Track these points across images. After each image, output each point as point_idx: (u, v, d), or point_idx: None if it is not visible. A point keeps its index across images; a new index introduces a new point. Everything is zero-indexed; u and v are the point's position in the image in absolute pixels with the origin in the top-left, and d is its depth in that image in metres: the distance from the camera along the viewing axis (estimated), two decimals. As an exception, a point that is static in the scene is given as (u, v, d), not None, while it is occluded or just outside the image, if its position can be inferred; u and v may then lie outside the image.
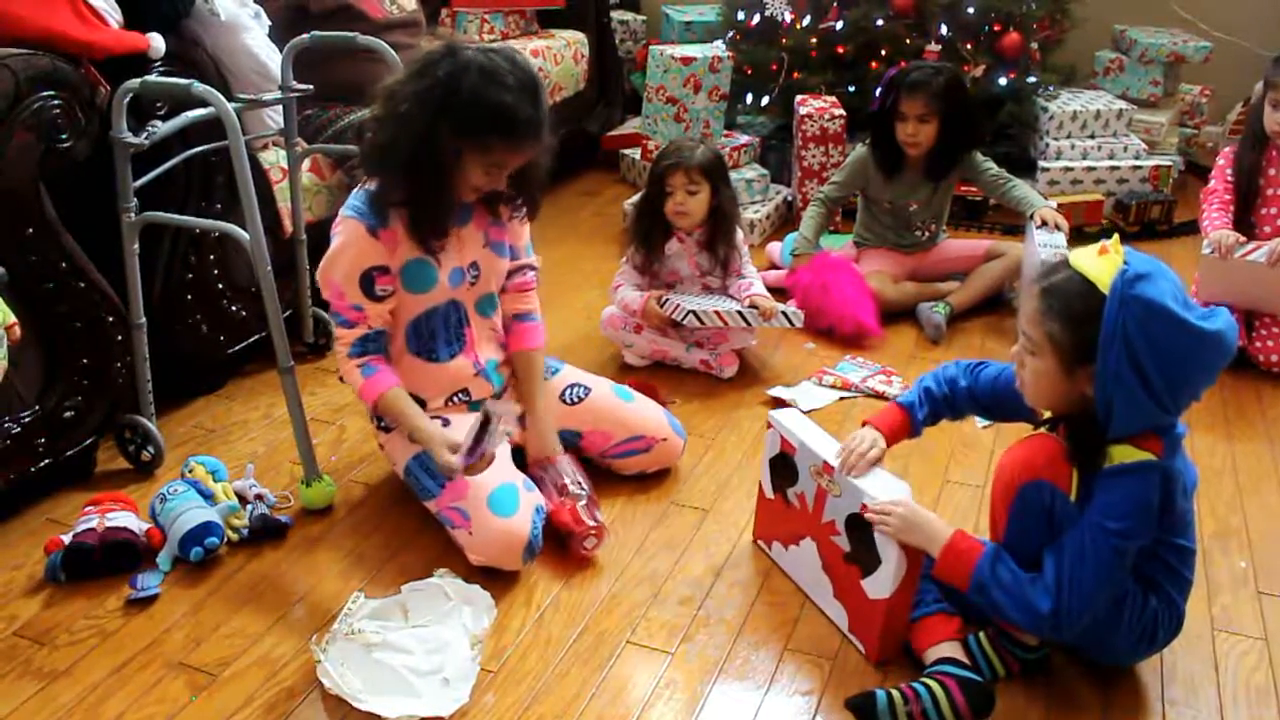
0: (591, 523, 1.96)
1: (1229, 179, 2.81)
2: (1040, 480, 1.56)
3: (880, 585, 1.67)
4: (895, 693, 1.59)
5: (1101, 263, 1.49)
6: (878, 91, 3.04)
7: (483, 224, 2.05)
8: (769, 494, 1.96)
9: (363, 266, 1.91)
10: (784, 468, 1.89)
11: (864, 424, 1.82)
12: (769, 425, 1.91)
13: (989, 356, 2.79)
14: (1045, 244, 2.77)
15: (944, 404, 1.84)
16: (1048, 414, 1.67)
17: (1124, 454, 1.52)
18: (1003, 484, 1.63)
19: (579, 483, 2.03)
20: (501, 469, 1.97)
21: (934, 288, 3.08)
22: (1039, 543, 1.58)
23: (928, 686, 1.59)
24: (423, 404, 2.04)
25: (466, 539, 1.92)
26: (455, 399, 2.09)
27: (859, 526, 1.71)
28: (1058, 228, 2.85)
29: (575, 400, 2.20)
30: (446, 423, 2.02)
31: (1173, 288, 1.46)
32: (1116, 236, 1.53)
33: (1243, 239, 2.69)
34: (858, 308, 2.86)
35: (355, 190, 1.95)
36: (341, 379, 2.02)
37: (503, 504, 1.90)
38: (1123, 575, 1.54)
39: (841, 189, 3.16)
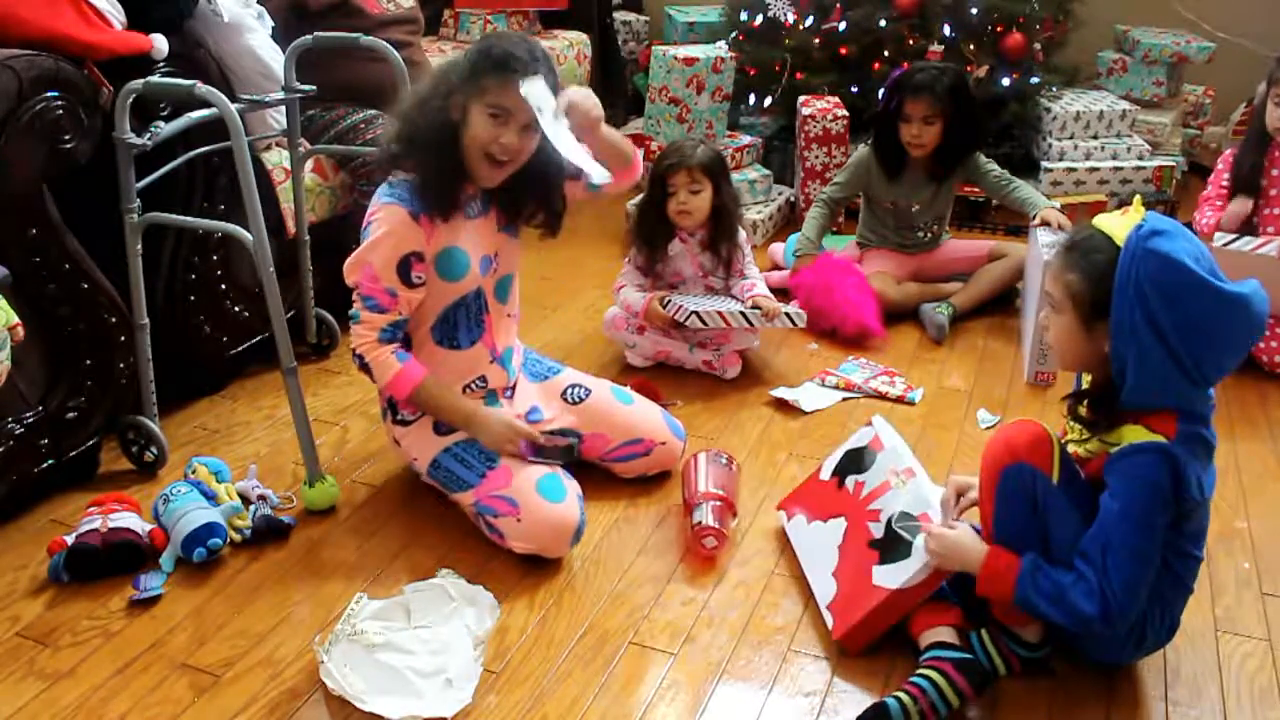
0: (714, 523, 1.98)
1: (1224, 185, 2.82)
2: (1022, 463, 1.57)
3: (893, 577, 1.69)
4: (904, 695, 1.59)
5: (1123, 220, 1.52)
6: (882, 93, 3.04)
7: (496, 217, 2.08)
8: (825, 475, 2.02)
9: (403, 251, 1.92)
10: (858, 458, 1.96)
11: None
12: (868, 423, 2.01)
13: (991, 357, 2.82)
14: (1049, 245, 2.76)
15: None
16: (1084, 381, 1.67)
17: (1134, 434, 1.52)
18: (987, 468, 1.64)
19: (721, 487, 2.06)
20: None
21: (937, 288, 3.08)
22: (1025, 526, 1.59)
23: (928, 678, 1.60)
24: None
25: (514, 527, 1.93)
26: (473, 386, 2.10)
27: (903, 523, 1.75)
28: (1061, 228, 2.85)
29: (576, 400, 2.21)
30: None
31: (1193, 248, 1.47)
32: (1139, 198, 1.55)
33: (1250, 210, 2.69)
34: (860, 309, 2.86)
35: (386, 183, 1.97)
36: (365, 365, 1.96)
37: (552, 490, 1.94)
38: (1156, 553, 1.52)
39: (844, 190, 3.15)
